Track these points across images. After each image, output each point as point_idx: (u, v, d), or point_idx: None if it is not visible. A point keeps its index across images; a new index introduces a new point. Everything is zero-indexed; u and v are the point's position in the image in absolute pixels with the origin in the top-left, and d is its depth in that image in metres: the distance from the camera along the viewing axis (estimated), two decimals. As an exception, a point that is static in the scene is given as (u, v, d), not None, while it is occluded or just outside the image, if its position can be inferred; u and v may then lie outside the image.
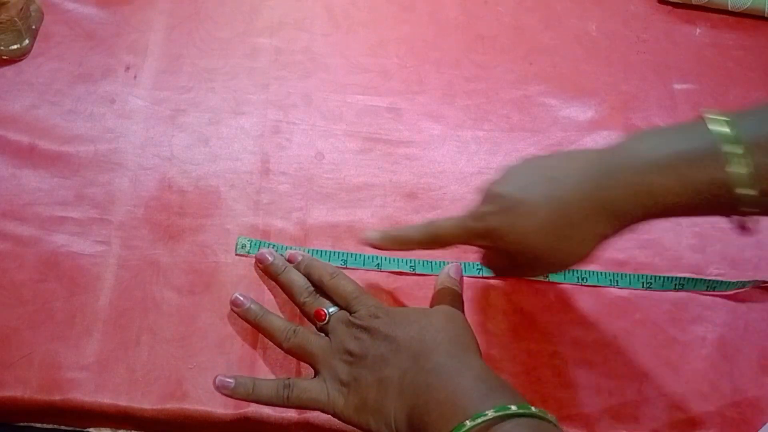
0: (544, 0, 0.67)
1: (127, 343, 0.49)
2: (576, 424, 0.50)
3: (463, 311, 0.51)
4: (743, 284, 0.55)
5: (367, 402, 0.44)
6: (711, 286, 0.55)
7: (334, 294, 0.49)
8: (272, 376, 0.49)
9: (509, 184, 0.44)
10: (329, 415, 0.46)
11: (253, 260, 0.52)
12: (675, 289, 0.55)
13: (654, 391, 0.51)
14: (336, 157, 0.58)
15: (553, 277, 0.54)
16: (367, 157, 0.58)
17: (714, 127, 0.38)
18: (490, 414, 0.38)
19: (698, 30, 0.67)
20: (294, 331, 0.48)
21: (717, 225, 0.57)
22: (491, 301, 0.53)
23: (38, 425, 0.53)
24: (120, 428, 0.50)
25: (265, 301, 0.51)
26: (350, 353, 0.46)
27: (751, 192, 0.37)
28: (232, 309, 0.50)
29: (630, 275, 0.55)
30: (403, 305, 0.52)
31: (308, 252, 0.53)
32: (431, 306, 0.51)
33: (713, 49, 0.66)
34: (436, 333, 0.45)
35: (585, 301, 0.54)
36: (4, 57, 0.58)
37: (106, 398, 0.47)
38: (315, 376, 0.47)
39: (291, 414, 0.48)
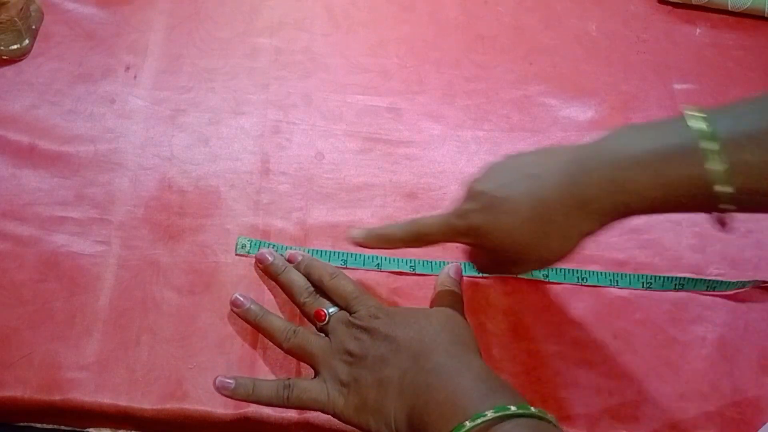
0: (544, 0, 0.67)
1: (127, 343, 0.49)
2: (576, 424, 0.50)
3: (463, 311, 0.51)
4: (743, 284, 0.55)
5: (367, 402, 0.44)
6: (711, 286, 0.55)
7: (334, 294, 0.49)
8: (272, 376, 0.49)
9: (491, 181, 0.44)
10: (329, 416, 0.46)
11: (253, 260, 0.52)
12: (675, 289, 0.55)
13: (654, 391, 0.51)
14: (336, 157, 0.58)
15: (553, 277, 0.54)
16: (367, 157, 0.58)
17: (691, 124, 0.38)
18: (490, 414, 0.38)
19: (698, 30, 0.67)
20: (294, 332, 0.48)
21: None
22: (491, 301, 0.53)
23: (38, 425, 0.53)
24: (120, 428, 0.50)
25: (265, 301, 0.51)
26: (350, 353, 0.46)
27: (728, 189, 0.37)
28: (232, 309, 0.50)
29: (630, 275, 0.55)
30: (403, 305, 0.52)
31: (308, 252, 0.53)
32: (431, 306, 0.51)
33: (713, 49, 0.66)
34: (435, 333, 0.45)
35: (585, 301, 0.54)
36: (4, 57, 0.58)
37: (106, 398, 0.47)
38: (315, 377, 0.47)
39: (291, 414, 0.48)
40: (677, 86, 0.64)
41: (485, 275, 0.54)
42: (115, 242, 0.52)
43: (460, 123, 0.60)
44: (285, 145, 0.57)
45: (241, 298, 0.50)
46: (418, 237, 0.47)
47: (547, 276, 0.54)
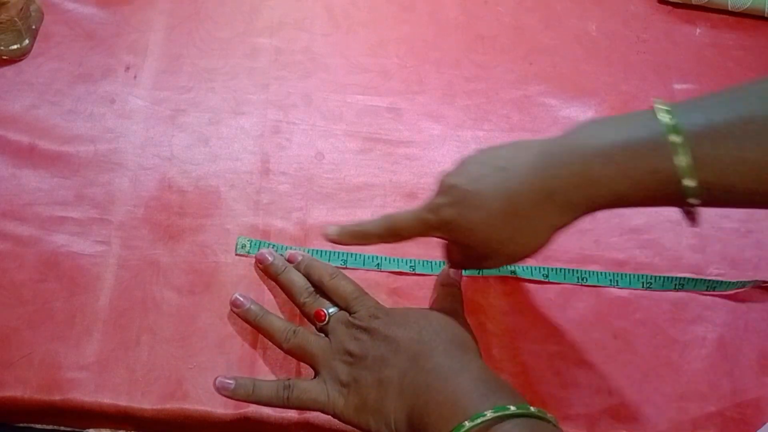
0: (544, 0, 0.67)
1: (127, 343, 0.49)
2: (576, 424, 0.50)
3: (463, 311, 0.51)
4: (743, 284, 0.55)
5: (367, 402, 0.44)
6: (711, 286, 0.55)
7: (333, 294, 0.49)
8: (272, 377, 0.49)
9: (462, 175, 0.44)
10: (329, 416, 0.46)
11: (253, 260, 0.52)
12: (675, 289, 0.55)
13: (654, 391, 0.51)
14: (336, 157, 0.58)
15: (553, 277, 0.54)
16: (367, 157, 0.58)
17: (657, 117, 0.38)
18: (489, 414, 0.38)
19: (698, 30, 0.67)
20: (294, 332, 0.48)
21: (717, 225, 0.58)
22: (491, 301, 0.53)
23: (38, 426, 0.53)
24: (120, 428, 0.50)
25: (265, 301, 0.51)
26: (350, 354, 0.46)
27: (692, 183, 0.37)
28: (232, 309, 0.50)
29: (630, 275, 0.55)
30: (403, 305, 0.52)
31: (308, 252, 0.53)
32: (431, 306, 0.51)
33: (713, 49, 0.66)
34: (435, 333, 0.45)
35: (585, 301, 0.54)
36: (4, 57, 0.58)
37: (106, 398, 0.47)
38: (315, 377, 0.47)
39: (291, 414, 0.48)
40: (677, 86, 0.64)
41: (485, 274, 0.54)
42: (115, 242, 0.52)
43: (460, 123, 0.60)
44: (285, 145, 0.57)
45: (241, 299, 0.50)
46: (393, 232, 0.47)
47: (547, 276, 0.54)
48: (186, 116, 0.58)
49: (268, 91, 0.60)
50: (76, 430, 0.54)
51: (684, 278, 0.55)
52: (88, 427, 0.52)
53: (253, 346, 0.50)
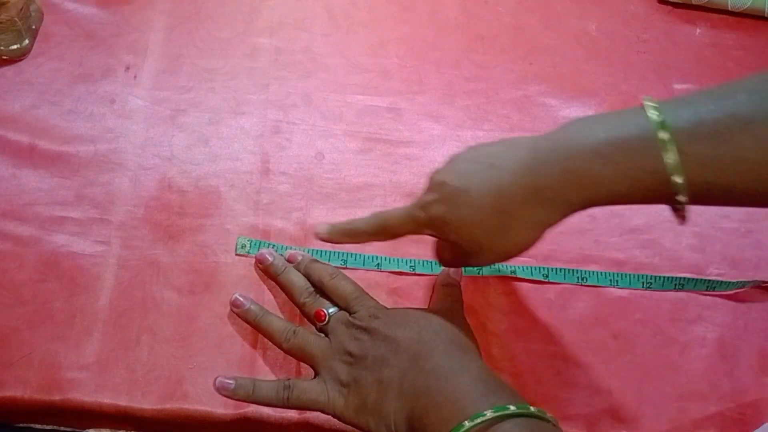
0: (544, 0, 0.67)
1: (127, 343, 0.49)
2: (576, 424, 0.50)
3: (463, 311, 0.51)
4: (743, 284, 0.55)
5: (366, 403, 0.44)
6: (711, 286, 0.55)
7: (333, 294, 0.49)
8: (272, 377, 0.49)
9: (451, 172, 0.44)
10: (329, 416, 0.46)
11: (253, 260, 0.52)
12: (675, 289, 0.55)
13: (654, 391, 0.51)
14: (336, 157, 0.58)
15: (553, 277, 0.54)
16: (367, 157, 0.58)
17: (644, 113, 0.38)
18: (489, 414, 0.38)
19: (698, 30, 0.67)
20: (294, 332, 0.48)
21: (717, 225, 0.58)
22: (491, 301, 0.53)
23: (38, 426, 0.53)
24: (120, 428, 0.50)
25: (265, 301, 0.51)
26: (350, 354, 0.46)
27: (678, 179, 0.36)
28: (231, 309, 0.50)
29: (630, 275, 0.55)
30: (403, 305, 0.52)
31: (308, 252, 0.53)
32: (431, 306, 0.51)
33: (713, 49, 0.66)
34: (435, 334, 0.45)
35: (585, 301, 0.54)
36: (4, 57, 0.58)
37: (106, 398, 0.47)
38: (315, 377, 0.47)
39: (291, 414, 0.48)
40: (677, 86, 0.64)
41: (485, 273, 0.54)
42: (115, 242, 0.52)
43: (460, 123, 0.60)
44: (285, 145, 0.57)
45: (241, 299, 0.50)
46: (383, 230, 0.47)
47: (547, 276, 0.54)
48: (186, 116, 0.58)
49: (268, 91, 0.60)
50: (76, 430, 0.54)
51: (684, 278, 0.55)
52: (88, 427, 0.52)
53: (253, 346, 0.50)
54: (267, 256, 0.52)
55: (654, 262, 0.56)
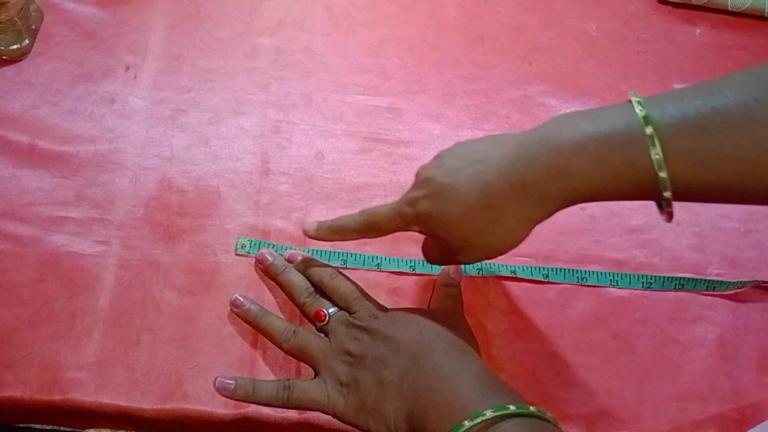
0: (544, 0, 0.67)
1: (127, 343, 0.49)
2: (576, 424, 0.50)
3: (462, 311, 0.51)
4: (743, 284, 0.55)
5: (366, 403, 0.44)
6: (711, 286, 0.55)
7: (333, 295, 0.49)
8: (272, 377, 0.49)
9: (438, 168, 0.44)
10: (329, 416, 0.46)
11: (253, 260, 0.52)
12: (675, 289, 0.55)
13: (654, 391, 0.51)
14: (336, 157, 0.58)
15: (553, 277, 0.54)
16: (367, 157, 0.58)
17: (630, 109, 0.38)
18: (489, 414, 0.38)
19: (698, 30, 0.67)
20: (294, 332, 0.48)
21: (717, 225, 0.58)
22: (491, 301, 0.53)
23: (38, 426, 0.53)
24: (120, 428, 0.50)
25: (265, 301, 0.51)
26: (350, 354, 0.46)
27: (663, 175, 0.36)
28: (231, 309, 0.50)
29: (630, 275, 0.55)
30: (403, 305, 0.52)
31: (308, 252, 0.53)
32: (430, 306, 0.51)
33: (713, 49, 0.66)
34: (435, 334, 0.45)
35: (585, 301, 0.54)
36: (4, 57, 0.58)
37: (106, 398, 0.47)
38: (315, 377, 0.47)
39: (291, 414, 0.48)
40: (677, 86, 0.63)
41: (485, 273, 0.54)
42: (115, 242, 0.52)
43: (460, 123, 0.60)
44: (285, 145, 0.57)
45: (241, 299, 0.50)
46: (371, 226, 0.47)
47: (547, 276, 0.54)
48: (186, 116, 0.58)
49: (268, 91, 0.60)
50: (76, 430, 0.54)
51: (684, 278, 0.55)
52: (88, 427, 0.52)
53: (253, 346, 0.50)
54: (267, 256, 0.52)
55: (654, 262, 0.56)
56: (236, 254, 0.53)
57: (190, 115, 0.58)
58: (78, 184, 0.54)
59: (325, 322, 0.48)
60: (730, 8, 0.67)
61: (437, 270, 0.53)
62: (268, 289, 0.52)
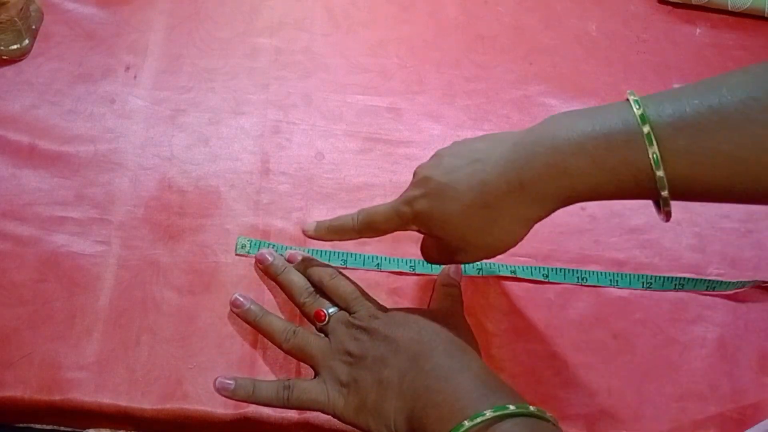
0: (544, 0, 0.67)
1: (127, 343, 0.49)
2: (576, 424, 0.50)
3: (462, 311, 0.51)
4: (743, 284, 0.55)
5: (366, 403, 0.44)
6: (711, 286, 0.55)
7: (333, 295, 0.49)
8: (272, 377, 0.49)
9: (436, 167, 0.44)
10: (329, 416, 0.46)
11: (253, 260, 0.52)
12: (675, 289, 0.55)
13: (654, 391, 0.51)
14: (336, 157, 0.58)
15: (553, 277, 0.54)
16: (367, 157, 0.58)
17: (628, 108, 0.38)
18: (489, 414, 0.38)
19: (698, 30, 0.67)
20: (293, 332, 0.48)
21: (717, 225, 0.58)
22: (491, 301, 0.53)
23: (38, 426, 0.53)
24: (120, 428, 0.50)
25: (265, 301, 0.51)
26: (350, 354, 0.46)
27: (660, 174, 0.36)
28: (231, 310, 0.50)
29: (630, 275, 0.55)
30: (403, 305, 0.52)
31: (308, 252, 0.53)
32: (431, 306, 0.51)
33: (713, 49, 0.66)
34: (435, 334, 0.45)
35: (585, 301, 0.54)
36: (4, 57, 0.58)
37: (106, 398, 0.47)
38: (315, 377, 0.47)
39: (291, 414, 0.48)
40: (677, 86, 0.63)
41: (485, 273, 0.54)
42: (115, 242, 0.52)
43: (460, 123, 0.60)
44: (285, 145, 0.57)
45: (241, 299, 0.50)
46: (370, 226, 0.47)
47: (547, 276, 0.54)
48: (186, 116, 0.58)
49: (268, 91, 0.60)
50: (76, 430, 0.54)
51: (684, 278, 0.55)
52: (88, 427, 0.52)
53: (253, 346, 0.50)
54: (267, 256, 0.52)
55: (654, 262, 0.56)
56: (236, 254, 0.53)
57: (190, 115, 0.58)
58: (78, 184, 0.54)
59: (325, 322, 0.48)
60: (730, 8, 0.67)
61: (437, 270, 0.53)
62: (268, 289, 0.52)
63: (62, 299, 0.50)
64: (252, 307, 0.50)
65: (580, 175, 0.38)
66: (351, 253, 0.53)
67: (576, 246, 0.56)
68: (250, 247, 0.53)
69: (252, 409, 0.48)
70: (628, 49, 0.65)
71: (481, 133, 0.59)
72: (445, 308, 0.50)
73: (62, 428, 0.54)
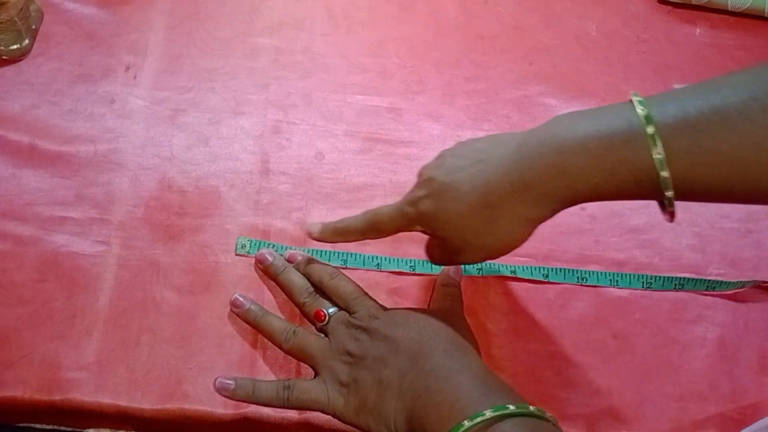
0: (544, 0, 0.67)
1: (127, 343, 0.49)
2: (576, 424, 0.50)
3: (462, 311, 0.51)
4: (743, 284, 0.55)
5: (366, 403, 0.44)
6: (711, 286, 0.55)
7: (333, 294, 0.49)
8: (272, 377, 0.49)
9: (439, 167, 0.44)
10: (329, 416, 0.46)
11: (253, 260, 0.52)
12: (675, 289, 0.55)
13: (654, 391, 0.51)
14: (336, 157, 0.58)
15: (553, 277, 0.54)
16: (367, 157, 0.58)
17: (630, 108, 0.38)
18: (489, 414, 0.38)
19: (698, 30, 0.67)
20: (293, 332, 0.48)
21: (717, 225, 0.57)
22: (491, 301, 0.53)
23: (38, 426, 0.53)
24: (120, 428, 0.50)
25: (265, 301, 0.51)
26: (350, 354, 0.46)
27: (664, 174, 0.36)
28: (231, 310, 0.50)
29: (630, 275, 0.55)
30: (403, 305, 0.52)
31: (308, 252, 0.53)
32: (431, 306, 0.51)
33: (713, 49, 0.66)
34: (435, 334, 0.45)
35: (585, 301, 0.54)
36: (4, 57, 0.58)
37: (106, 398, 0.47)
38: (315, 377, 0.47)
39: (291, 414, 0.48)
40: (677, 86, 0.63)
41: (485, 273, 0.54)
42: (115, 242, 0.52)
43: (460, 123, 0.60)
44: (285, 145, 0.57)
45: (241, 299, 0.50)
46: (374, 227, 0.47)
47: (547, 276, 0.54)
48: (186, 116, 0.58)
49: (268, 91, 0.60)
50: (76, 430, 0.54)
51: (684, 278, 0.55)
52: (88, 427, 0.52)
53: (253, 346, 0.50)
54: (267, 256, 0.52)
55: (654, 262, 0.56)
56: (236, 254, 0.53)
57: (190, 115, 0.58)
58: (78, 184, 0.54)
59: (325, 322, 0.48)
60: (730, 8, 0.67)
61: (437, 270, 0.53)
62: (268, 289, 0.52)
63: (62, 299, 0.50)
64: (252, 307, 0.50)
65: (580, 175, 0.38)
66: (351, 253, 0.53)
67: (576, 246, 0.56)
68: (250, 247, 0.53)
69: (252, 409, 0.48)
70: (628, 49, 0.65)
71: (481, 133, 0.59)
72: (445, 308, 0.50)
73: (62, 428, 0.54)
